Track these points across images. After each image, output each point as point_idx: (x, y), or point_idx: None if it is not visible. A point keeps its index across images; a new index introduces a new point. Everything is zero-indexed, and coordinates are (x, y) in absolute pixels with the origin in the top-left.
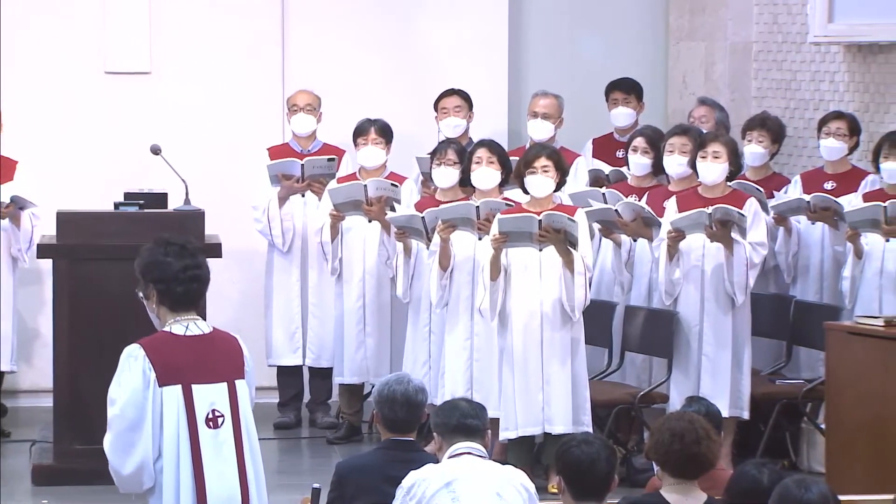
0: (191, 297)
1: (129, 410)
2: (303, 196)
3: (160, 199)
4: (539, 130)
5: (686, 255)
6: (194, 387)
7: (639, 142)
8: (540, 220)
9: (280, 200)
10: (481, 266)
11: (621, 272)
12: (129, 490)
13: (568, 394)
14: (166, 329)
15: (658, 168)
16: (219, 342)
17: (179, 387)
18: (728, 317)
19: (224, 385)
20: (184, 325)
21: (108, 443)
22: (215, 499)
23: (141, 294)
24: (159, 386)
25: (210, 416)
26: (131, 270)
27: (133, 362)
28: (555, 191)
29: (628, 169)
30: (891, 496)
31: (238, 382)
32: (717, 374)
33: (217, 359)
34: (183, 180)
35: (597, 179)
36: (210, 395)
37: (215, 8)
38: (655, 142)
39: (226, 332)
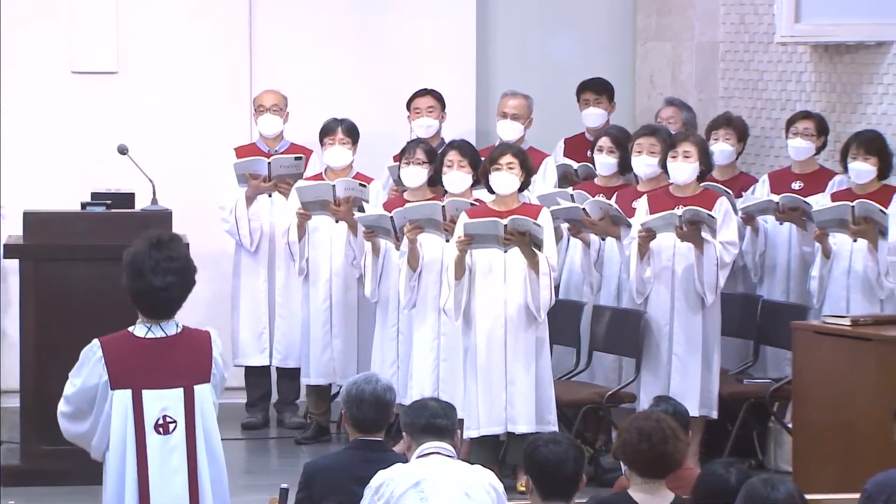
0: (159, 312)
1: (78, 400)
2: (270, 196)
3: (127, 199)
4: (508, 131)
5: (657, 255)
6: (145, 392)
7: (604, 141)
8: (505, 225)
9: (247, 200)
10: (446, 266)
11: (590, 272)
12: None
13: (532, 394)
14: (130, 329)
15: (624, 167)
16: (183, 345)
17: (129, 391)
18: (698, 316)
19: (180, 391)
20: (146, 327)
21: (60, 409)
22: None
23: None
24: (111, 388)
25: (160, 421)
26: (98, 270)
27: (91, 357)
28: (520, 190)
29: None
30: (857, 495)
31: (198, 388)
32: (687, 373)
33: (176, 363)
34: (150, 180)
35: (565, 175)
36: (162, 401)
37: (182, 7)
38: (621, 141)
39: (198, 330)
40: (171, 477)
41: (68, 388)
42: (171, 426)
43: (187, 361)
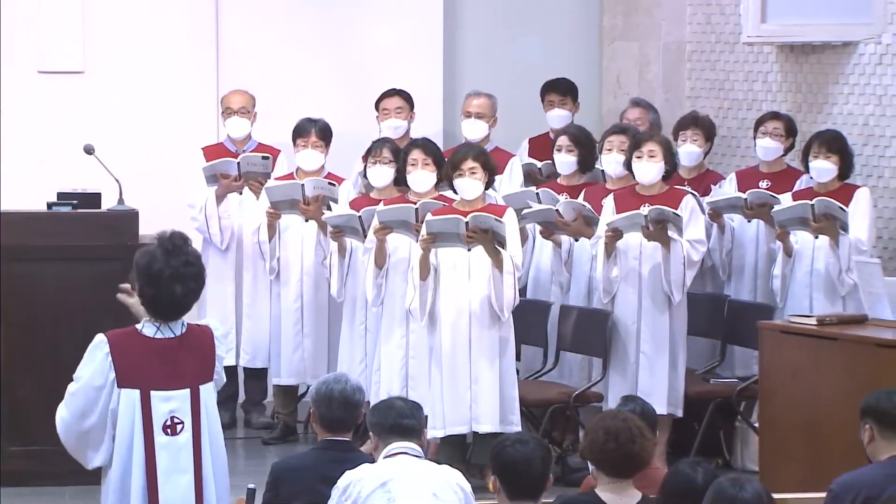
0: (173, 316)
1: (81, 398)
2: (240, 193)
3: (94, 199)
4: (473, 130)
5: (623, 255)
6: (153, 393)
7: (562, 140)
8: (467, 222)
9: (217, 199)
10: (411, 265)
11: (560, 272)
12: (81, 457)
13: (496, 393)
14: (138, 327)
15: (585, 165)
16: (189, 344)
17: (138, 392)
18: (665, 315)
19: (187, 392)
20: (155, 327)
21: (60, 414)
22: None
23: (130, 285)
24: (118, 386)
25: (168, 422)
26: (65, 270)
27: (98, 354)
28: (484, 190)
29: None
30: (823, 494)
31: (203, 388)
32: (654, 372)
33: (184, 363)
34: (116, 180)
35: (529, 174)
36: (170, 402)
37: (149, 7)
38: (580, 140)
39: (200, 326)
40: (179, 477)
41: (71, 387)
42: (179, 427)
43: (193, 362)
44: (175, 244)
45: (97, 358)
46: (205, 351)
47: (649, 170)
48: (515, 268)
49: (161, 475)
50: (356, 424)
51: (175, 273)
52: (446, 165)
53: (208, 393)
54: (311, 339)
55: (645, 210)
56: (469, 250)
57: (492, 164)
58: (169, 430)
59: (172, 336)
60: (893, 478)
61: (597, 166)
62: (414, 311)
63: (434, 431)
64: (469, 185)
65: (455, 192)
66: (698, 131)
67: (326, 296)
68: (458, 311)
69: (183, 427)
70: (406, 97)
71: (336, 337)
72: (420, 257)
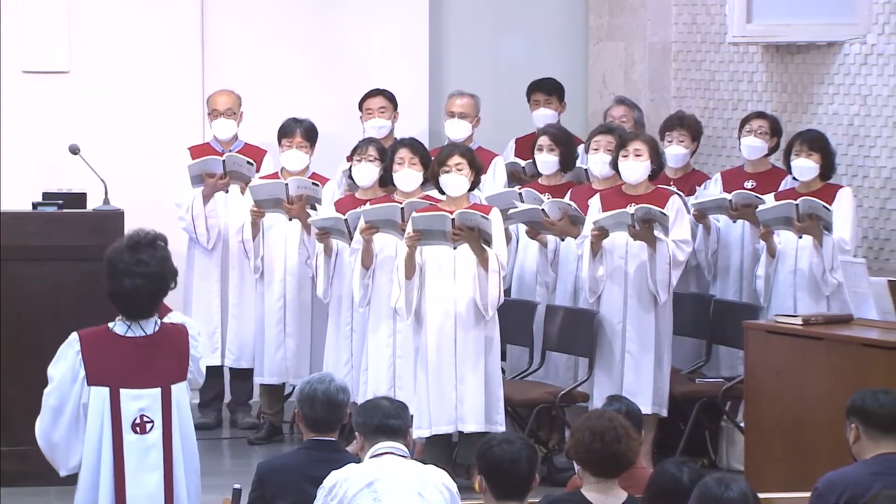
0: (133, 313)
1: (54, 397)
2: (226, 191)
3: (79, 198)
4: (456, 130)
5: (609, 254)
6: (123, 391)
7: (543, 140)
8: (453, 219)
9: (204, 198)
10: (396, 264)
11: (546, 272)
12: (55, 463)
13: (481, 392)
14: (110, 325)
15: (566, 165)
16: (161, 344)
17: (107, 389)
18: (651, 315)
19: (157, 391)
20: (126, 325)
21: (39, 420)
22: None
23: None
24: (88, 384)
25: (137, 421)
26: (50, 270)
27: (69, 352)
28: (470, 189)
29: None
30: (808, 494)
31: (175, 387)
32: (639, 371)
33: (155, 362)
34: (102, 180)
35: (513, 174)
36: (140, 401)
37: (134, 7)
38: (560, 139)
39: (175, 325)
40: (147, 475)
41: (46, 389)
42: (149, 426)
43: (165, 361)
44: (139, 242)
45: (69, 356)
46: (179, 350)
47: (635, 169)
48: (500, 266)
49: (129, 473)
50: (341, 424)
51: (127, 268)
52: (432, 163)
53: (181, 392)
54: (294, 338)
55: (631, 209)
56: (455, 248)
57: (478, 163)
58: (138, 429)
59: (144, 335)
60: (878, 476)
61: (580, 165)
62: (400, 311)
63: (419, 431)
64: (455, 181)
65: (441, 191)
66: (684, 132)
67: (310, 295)
68: (443, 311)
69: (153, 426)
70: (389, 97)
71: (319, 337)
72: (405, 256)
